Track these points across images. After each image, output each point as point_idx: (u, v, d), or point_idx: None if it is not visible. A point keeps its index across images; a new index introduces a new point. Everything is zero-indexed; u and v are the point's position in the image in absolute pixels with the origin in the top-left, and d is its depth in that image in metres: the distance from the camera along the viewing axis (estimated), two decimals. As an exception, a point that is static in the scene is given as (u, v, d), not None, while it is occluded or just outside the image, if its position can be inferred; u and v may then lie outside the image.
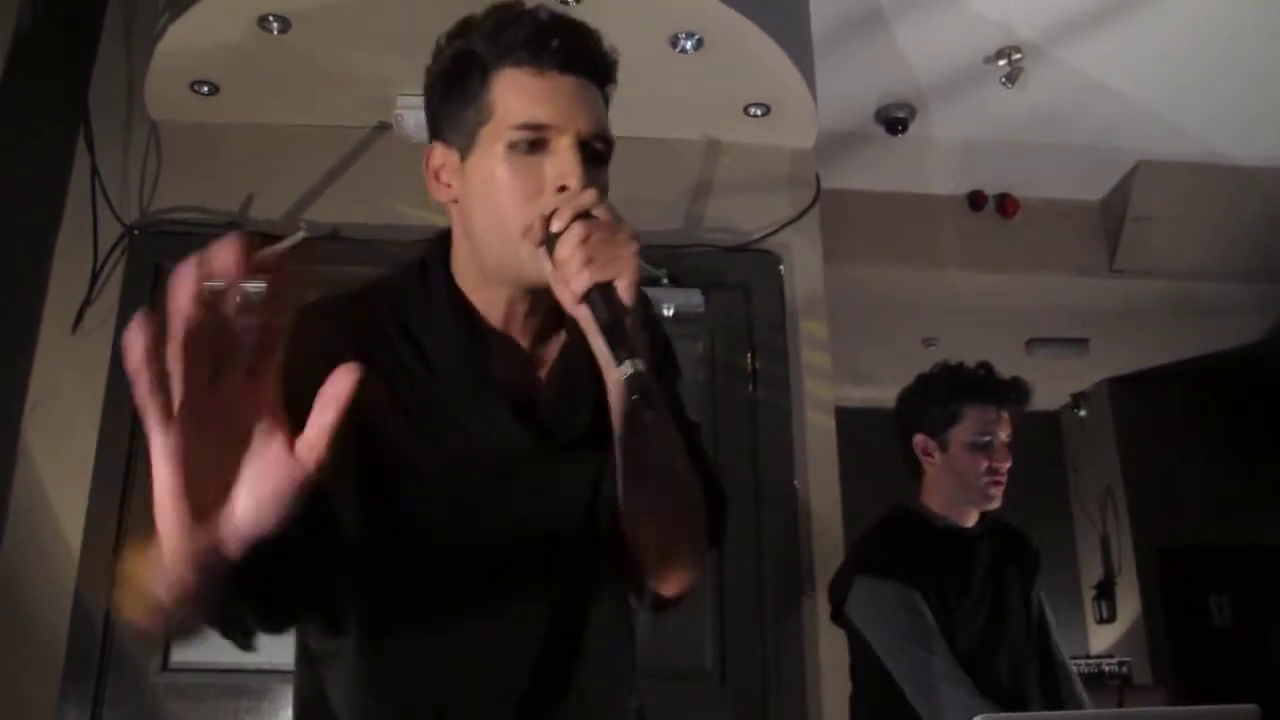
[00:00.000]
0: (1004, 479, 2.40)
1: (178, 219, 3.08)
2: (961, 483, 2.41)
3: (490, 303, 1.22)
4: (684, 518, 1.21)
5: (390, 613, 1.17)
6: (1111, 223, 4.43)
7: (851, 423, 3.62)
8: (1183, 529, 5.91)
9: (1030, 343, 5.27)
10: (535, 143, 1.14)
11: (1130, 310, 4.87)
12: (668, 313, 3.20)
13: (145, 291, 3.03)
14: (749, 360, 3.25)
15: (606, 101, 1.23)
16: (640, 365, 1.02)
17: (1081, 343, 5.39)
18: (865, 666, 2.38)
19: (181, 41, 2.83)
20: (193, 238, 3.09)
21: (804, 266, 3.35)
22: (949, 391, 2.46)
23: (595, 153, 1.17)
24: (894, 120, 3.84)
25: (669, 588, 1.26)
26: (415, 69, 3.17)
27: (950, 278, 4.41)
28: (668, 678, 3.00)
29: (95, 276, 2.99)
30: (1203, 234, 4.33)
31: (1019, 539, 2.53)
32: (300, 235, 3.01)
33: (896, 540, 2.46)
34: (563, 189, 1.13)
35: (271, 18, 2.75)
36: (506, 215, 1.14)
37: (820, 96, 3.23)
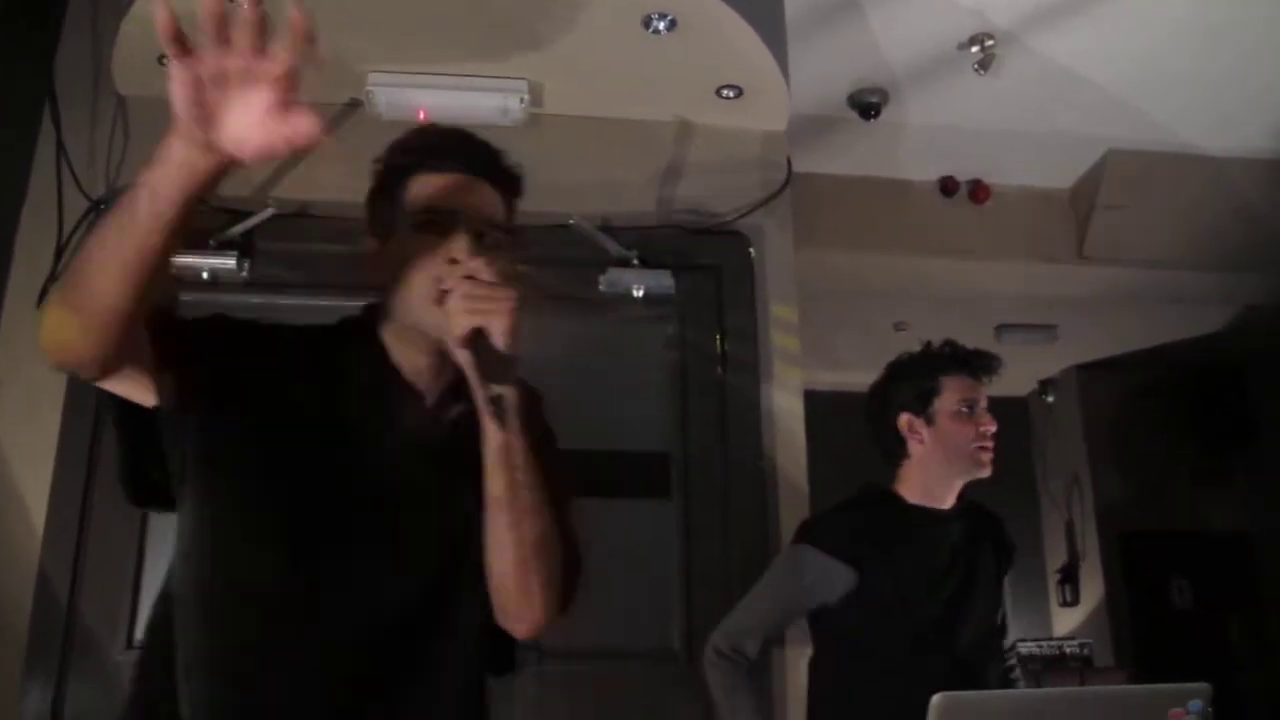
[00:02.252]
0: (991, 445, 2.42)
1: (145, 194, 3.05)
2: (954, 453, 2.42)
3: (405, 359, 1.46)
4: (540, 561, 1.39)
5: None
6: (1081, 211, 4.46)
7: (823, 407, 3.64)
8: (1146, 514, 5.98)
9: (1000, 329, 5.30)
10: (436, 226, 1.41)
11: (1098, 298, 4.91)
12: (638, 294, 3.21)
13: (111, 267, 3.00)
14: (718, 342, 3.26)
15: (504, 185, 1.50)
16: (504, 392, 1.32)
17: (1050, 329, 5.44)
18: (817, 642, 2.43)
19: (149, 14, 2.78)
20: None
21: (775, 250, 3.36)
22: (926, 369, 2.49)
23: (488, 240, 1.42)
24: (867, 105, 3.84)
25: (519, 626, 1.43)
26: (387, 46, 3.17)
27: (921, 263, 4.42)
28: (634, 656, 3.02)
29: (60, 252, 2.96)
30: (1170, 223, 4.36)
31: (998, 527, 2.55)
32: (269, 212, 2.98)
33: (853, 512, 2.48)
34: (454, 261, 1.37)
35: (241, -8, 2.72)
36: (414, 283, 1.39)
37: (793, 80, 3.24)
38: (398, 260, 1.42)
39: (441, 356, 1.43)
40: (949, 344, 2.53)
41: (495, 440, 1.34)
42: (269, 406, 1.38)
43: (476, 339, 1.30)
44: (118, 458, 1.45)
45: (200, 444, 1.37)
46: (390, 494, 1.39)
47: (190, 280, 3.04)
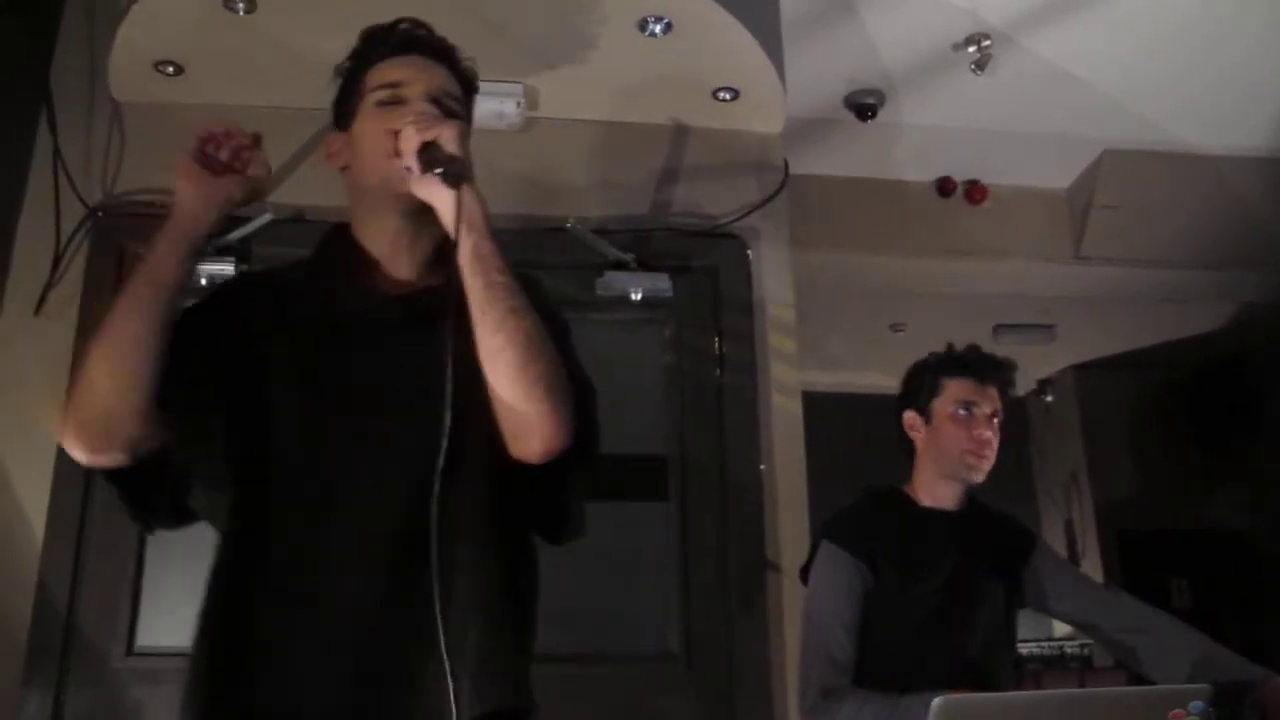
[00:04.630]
0: (986, 452, 2.41)
1: (141, 200, 3.05)
2: (944, 455, 2.43)
3: (377, 236, 1.55)
4: (535, 364, 1.39)
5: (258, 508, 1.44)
6: (1078, 210, 4.45)
7: (820, 408, 3.64)
8: (1144, 513, 5.98)
9: (997, 329, 5.30)
10: (394, 100, 1.53)
11: (1096, 297, 4.91)
12: (635, 297, 3.21)
13: (109, 273, 2.99)
14: (715, 344, 3.26)
15: (460, 77, 1.63)
16: (453, 170, 1.39)
17: (1048, 329, 5.44)
18: None
19: (145, 21, 2.79)
20: (157, 219, 3.04)
21: (771, 251, 3.36)
22: (932, 368, 2.51)
23: (444, 106, 1.53)
24: (863, 106, 3.84)
25: (531, 443, 1.41)
26: (382, 51, 3.14)
27: (918, 264, 4.42)
28: (633, 659, 3.02)
29: (58, 259, 2.96)
30: (1167, 222, 4.36)
31: (1006, 525, 2.54)
32: (266, 217, 2.98)
33: (864, 509, 2.49)
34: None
35: (237, -3, 2.72)
36: (372, 146, 1.50)
37: (789, 82, 3.24)
38: (360, 137, 1.54)
39: (410, 218, 1.51)
40: (971, 349, 2.53)
41: (466, 245, 1.40)
42: (266, 365, 1.49)
43: (428, 150, 1.41)
44: (127, 503, 1.52)
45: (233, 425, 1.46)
46: (387, 376, 1.45)
47: (188, 287, 3.04)
